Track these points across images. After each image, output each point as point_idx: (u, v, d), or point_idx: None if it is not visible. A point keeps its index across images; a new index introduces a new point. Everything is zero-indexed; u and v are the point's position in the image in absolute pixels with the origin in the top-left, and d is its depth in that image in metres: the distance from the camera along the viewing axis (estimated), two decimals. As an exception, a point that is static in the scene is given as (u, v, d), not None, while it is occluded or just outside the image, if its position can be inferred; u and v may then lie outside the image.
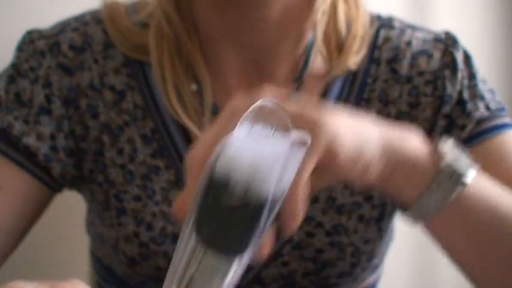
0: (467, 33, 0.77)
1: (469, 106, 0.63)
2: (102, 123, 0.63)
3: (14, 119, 0.61)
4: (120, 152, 0.63)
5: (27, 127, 0.61)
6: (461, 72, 0.65)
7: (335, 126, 0.44)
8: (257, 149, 0.34)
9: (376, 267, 0.69)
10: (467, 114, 0.63)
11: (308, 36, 0.63)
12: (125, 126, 0.63)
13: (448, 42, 0.66)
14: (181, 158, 0.62)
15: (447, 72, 0.64)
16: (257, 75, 0.63)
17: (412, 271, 1.22)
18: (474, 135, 0.63)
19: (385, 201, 0.65)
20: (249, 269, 0.62)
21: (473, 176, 0.50)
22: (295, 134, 0.38)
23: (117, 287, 0.68)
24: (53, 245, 0.94)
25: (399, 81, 0.65)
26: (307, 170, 0.42)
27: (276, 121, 0.36)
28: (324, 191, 0.63)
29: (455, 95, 0.64)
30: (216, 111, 0.61)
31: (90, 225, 0.71)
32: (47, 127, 0.62)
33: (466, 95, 0.64)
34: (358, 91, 0.65)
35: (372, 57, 0.65)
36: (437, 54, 0.65)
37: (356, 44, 0.63)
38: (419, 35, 0.67)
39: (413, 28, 0.68)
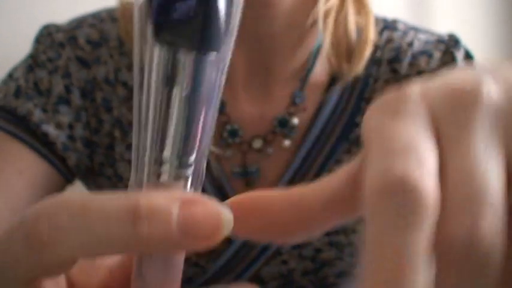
0: (467, 33, 0.77)
1: None
2: (115, 117, 0.64)
3: (33, 106, 0.61)
4: (129, 147, 0.64)
5: (46, 115, 0.62)
6: None
7: None
8: None
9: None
10: None
11: (315, 37, 0.64)
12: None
13: (450, 43, 0.67)
14: None
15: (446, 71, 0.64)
16: (263, 74, 0.63)
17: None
18: None
19: None
20: (248, 266, 0.64)
21: None
22: None
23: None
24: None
25: (399, 81, 0.65)
26: None
27: None
28: None
29: None
30: (222, 108, 0.62)
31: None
32: (66, 116, 0.62)
33: None
34: (360, 91, 0.65)
35: (374, 58, 0.65)
36: (437, 55, 0.66)
37: (367, 51, 0.64)
38: (422, 36, 0.67)
39: (417, 30, 0.69)
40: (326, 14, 0.62)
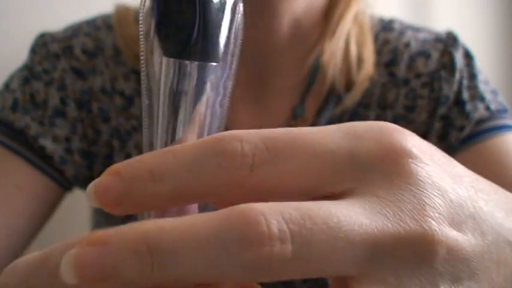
0: (467, 32, 0.77)
1: (468, 107, 0.62)
2: (113, 127, 0.64)
3: (30, 120, 0.61)
4: (128, 157, 0.64)
5: (42, 129, 0.61)
6: (460, 73, 0.63)
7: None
8: None
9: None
10: (466, 116, 0.62)
11: (316, 51, 0.63)
12: (133, 131, 0.64)
13: (448, 42, 0.65)
14: None
15: (444, 73, 0.63)
16: (261, 87, 0.63)
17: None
18: (471, 135, 0.61)
19: None
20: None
21: None
22: None
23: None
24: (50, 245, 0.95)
25: (397, 84, 0.64)
26: None
27: None
28: None
29: (452, 96, 0.63)
30: None
31: (96, 225, 0.72)
32: (62, 129, 0.62)
33: (465, 95, 0.63)
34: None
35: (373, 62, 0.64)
36: (435, 55, 0.64)
37: (366, 82, 0.63)
38: (419, 35, 0.66)
39: (415, 29, 0.67)
40: (329, 56, 0.62)
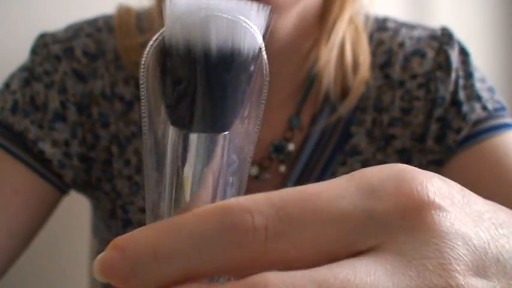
0: (467, 31, 0.76)
1: (465, 108, 0.61)
2: (112, 133, 0.63)
3: (30, 123, 0.61)
4: (127, 163, 0.63)
5: (42, 132, 0.61)
6: (456, 72, 0.62)
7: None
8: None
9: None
10: (463, 117, 0.61)
11: (312, 61, 0.62)
12: (132, 137, 0.63)
13: (443, 40, 0.64)
14: None
15: (439, 74, 0.62)
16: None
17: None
18: (469, 136, 0.61)
19: None
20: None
21: None
22: None
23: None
24: (55, 246, 0.95)
25: (392, 86, 0.63)
26: None
27: None
28: None
29: (448, 97, 0.62)
30: None
31: (96, 229, 0.72)
32: (61, 133, 0.62)
33: (461, 95, 0.62)
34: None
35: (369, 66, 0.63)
36: (430, 54, 0.63)
37: (362, 88, 0.62)
38: (414, 33, 0.65)
39: (409, 27, 0.66)
40: (325, 64, 0.61)
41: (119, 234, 0.67)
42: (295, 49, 0.61)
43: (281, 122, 0.63)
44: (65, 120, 0.62)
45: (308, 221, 0.21)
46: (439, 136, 0.62)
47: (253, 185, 0.63)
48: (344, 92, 0.62)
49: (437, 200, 0.23)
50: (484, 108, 0.62)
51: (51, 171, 0.61)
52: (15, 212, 0.60)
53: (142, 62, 0.27)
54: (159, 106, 0.27)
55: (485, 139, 0.60)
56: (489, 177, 0.59)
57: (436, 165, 0.62)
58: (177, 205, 0.26)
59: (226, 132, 0.27)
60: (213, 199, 0.27)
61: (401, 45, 0.64)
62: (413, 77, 0.63)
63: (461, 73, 0.63)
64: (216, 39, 0.25)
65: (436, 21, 1.14)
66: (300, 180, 0.63)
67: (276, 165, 0.63)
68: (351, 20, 0.62)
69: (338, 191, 0.23)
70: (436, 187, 0.24)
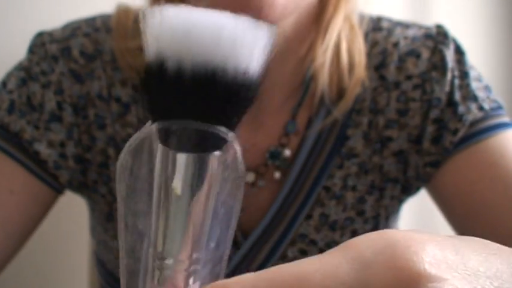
0: (465, 29, 0.75)
1: (461, 109, 0.61)
2: (108, 135, 0.63)
3: (26, 123, 0.61)
4: None
5: (38, 133, 0.61)
6: (451, 72, 0.62)
7: None
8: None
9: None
10: (459, 118, 0.60)
11: (307, 66, 0.62)
12: (129, 139, 0.63)
13: (438, 39, 0.63)
14: None
15: (435, 74, 0.62)
16: (253, 107, 0.62)
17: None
18: (466, 137, 0.60)
19: (378, 213, 0.65)
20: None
21: None
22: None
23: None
24: (55, 246, 0.95)
25: (387, 88, 0.63)
26: None
27: None
28: (317, 208, 0.63)
29: (444, 97, 0.61)
30: None
31: (93, 229, 0.71)
32: (57, 134, 0.62)
33: (457, 96, 0.61)
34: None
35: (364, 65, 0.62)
36: (425, 54, 0.63)
37: (357, 89, 0.62)
38: (409, 33, 0.64)
39: (404, 26, 0.65)
40: (320, 66, 0.61)
41: (116, 237, 0.66)
42: (291, 53, 0.61)
43: (277, 128, 0.63)
44: (61, 121, 0.62)
45: None
46: (435, 137, 0.61)
47: (249, 192, 0.63)
48: (340, 94, 0.62)
49: (433, 271, 0.23)
50: (481, 108, 0.61)
51: (47, 172, 0.61)
52: (10, 212, 0.60)
53: (119, 164, 0.28)
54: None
55: (482, 140, 0.60)
56: (486, 180, 0.58)
57: (433, 166, 0.61)
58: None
59: (217, 152, 0.26)
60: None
61: (396, 45, 0.64)
62: (409, 77, 0.62)
63: (456, 73, 0.62)
64: (206, 56, 0.24)
65: (434, 19, 1.14)
66: (295, 186, 0.63)
67: (272, 172, 0.63)
68: (346, 19, 0.62)
69: (331, 269, 0.23)
70: (431, 255, 0.24)
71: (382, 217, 0.65)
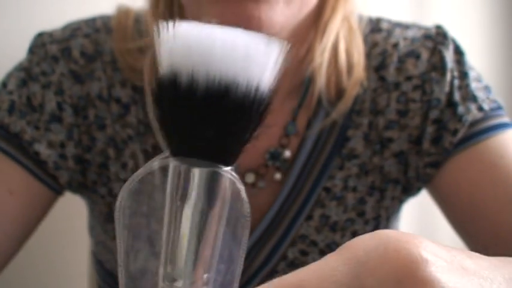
0: (466, 31, 0.75)
1: (461, 109, 0.61)
2: (109, 136, 0.63)
3: (26, 124, 0.61)
4: (124, 166, 0.63)
5: (38, 133, 0.61)
6: (451, 73, 0.62)
7: None
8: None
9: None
10: (459, 118, 0.60)
11: (307, 66, 0.62)
12: (129, 140, 0.63)
13: (437, 39, 0.63)
14: None
15: (434, 75, 0.62)
16: None
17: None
18: (465, 138, 0.60)
19: (379, 214, 0.65)
20: (243, 286, 0.64)
21: None
22: None
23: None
24: (55, 246, 0.95)
25: (387, 89, 0.63)
26: None
27: None
28: (317, 209, 0.63)
29: (443, 98, 0.61)
30: None
31: (92, 229, 0.71)
32: (57, 135, 0.62)
33: (457, 96, 0.61)
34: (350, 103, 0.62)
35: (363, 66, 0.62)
36: (425, 55, 0.63)
37: (356, 89, 0.61)
38: (408, 33, 0.64)
39: (403, 26, 0.65)
40: (318, 66, 0.61)
41: (115, 237, 0.66)
42: (291, 54, 0.61)
43: (277, 128, 0.63)
44: (61, 122, 0.62)
45: None
46: (435, 138, 0.61)
47: (250, 193, 0.62)
48: (339, 94, 0.62)
49: (429, 256, 0.24)
50: (480, 108, 0.61)
51: (47, 173, 0.61)
52: (9, 212, 0.60)
53: (118, 205, 0.28)
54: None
55: (482, 140, 0.60)
56: (486, 180, 0.58)
57: (433, 167, 0.61)
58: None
59: (228, 168, 0.26)
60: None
61: (396, 46, 0.64)
62: (409, 78, 0.62)
63: (456, 73, 0.62)
64: (220, 72, 0.25)
65: (433, 20, 1.14)
66: (295, 187, 0.63)
67: (272, 173, 0.63)
68: (345, 20, 0.62)
69: (327, 272, 0.24)
70: (425, 245, 0.25)
71: (383, 218, 0.65)
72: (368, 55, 0.64)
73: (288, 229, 0.63)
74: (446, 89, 0.61)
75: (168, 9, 0.60)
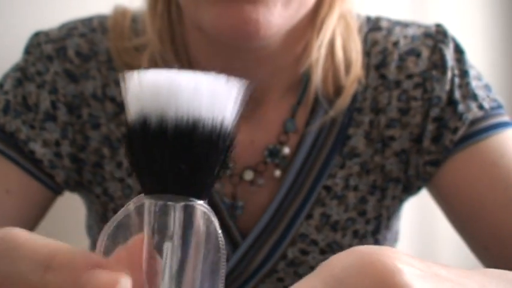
0: (466, 30, 0.75)
1: (461, 107, 0.61)
2: (103, 134, 0.63)
3: (21, 123, 0.61)
4: (119, 165, 0.63)
5: (33, 132, 0.61)
6: (451, 71, 0.62)
7: None
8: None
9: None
10: (459, 116, 0.60)
11: (305, 63, 0.61)
12: (124, 139, 0.63)
13: (437, 38, 0.63)
14: None
15: (435, 73, 0.62)
16: (254, 104, 0.62)
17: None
18: (466, 137, 0.60)
19: (380, 213, 0.65)
20: (243, 284, 0.63)
21: None
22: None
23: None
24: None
25: (388, 87, 0.62)
26: None
27: None
28: (317, 208, 0.63)
29: (444, 96, 0.61)
30: None
31: (90, 228, 0.71)
32: (52, 134, 0.62)
33: (457, 95, 0.61)
34: (350, 101, 0.62)
35: (361, 65, 0.62)
36: (425, 53, 0.62)
37: (354, 86, 0.61)
38: (408, 31, 0.64)
39: (403, 25, 0.65)
40: (315, 62, 0.61)
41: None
42: (288, 51, 0.61)
43: (276, 125, 0.63)
44: (55, 120, 0.62)
45: None
46: (435, 136, 0.61)
47: (249, 190, 0.62)
48: (337, 92, 0.62)
49: (404, 267, 0.26)
50: (480, 107, 0.61)
51: (43, 172, 0.61)
52: (7, 212, 0.60)
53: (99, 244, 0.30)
54: None
55: (482, 139, 0.60)
56: (486, 179, 0.58)
57: (433, 165, 0.61)
58: None
59: (201, 202, 0.28)
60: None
61: (396, 44, 0.63)
62: (409, 76, 0.62)
63: (456, 72, 0.62)
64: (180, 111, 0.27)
65: (434, 20, 1.14)
66: (295, 185, 0.62)
67: (271, 170, 0.62)
68: (341, 18, 0.62)
69: None
70: (399, 255, 0.27)
71: (384, 217, 0.65)
72: (368, 53, 0.63)
73: (287, 228, 0.62)
74: (447, 87, 0.61)
75: (166, 9, 0.60)
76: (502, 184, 0.58)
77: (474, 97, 0.61)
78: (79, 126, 0.63)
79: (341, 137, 0.63)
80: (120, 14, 0.65)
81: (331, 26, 0.60)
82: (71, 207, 0.80)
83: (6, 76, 0.64)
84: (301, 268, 0.63)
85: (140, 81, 0.28)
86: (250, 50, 0.58)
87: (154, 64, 0.60)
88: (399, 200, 0.66)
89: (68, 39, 0.64)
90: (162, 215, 0.28)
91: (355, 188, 0.63)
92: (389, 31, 0.64)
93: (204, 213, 0.28)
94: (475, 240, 0.61)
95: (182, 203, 0.27)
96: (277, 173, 0.62)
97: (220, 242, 0.28)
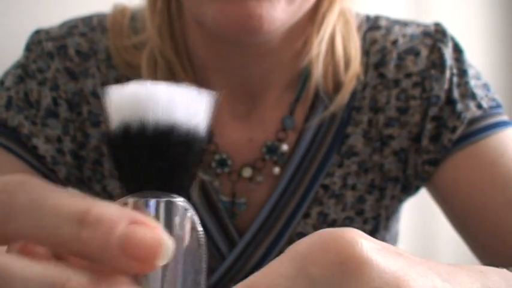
0: (465, 29, 0.75)
1: (459, 106, 0.61)
2: (103, 132, 0.63)
3: (24, 118, 0.61)
4: None
5: (35, 128, 0.61)
6: (450, 70, 0.62)
7: None
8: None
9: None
10: (458, 116, 0.60)
11: (303, 61, 0.62)
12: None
13: (436, 37, 0.63)
14: None
15: (434, 72, 0.62)
16: (252, 100, 0.62)
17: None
18: (464, 136, 0.60)
19: (379, 213, 0.65)
20: (240, 282, 0.63)
21: None
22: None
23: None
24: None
25: (387, 86, 0.63)
26: None
27: None
28: (315, 206, 0.63)
29: (443, 95, 0.61)
30: (210, 137, 0.61)
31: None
32: (54, 130, 0.62)
33: (456, 94, 0.61)
34: (349, 100, 0.62)
35: (360, 63, 0.62)
36: (424, 52, 0.62)
37: (353, 83, 0.61)
38: (407, 30, 0.64)
39: (402, 24, 0.65)
40: (315, 57, 0.61)
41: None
42: (287, 47, 0.61)
43: (274, 122, 0.63)
44: (57, 117, 0.63)
45: None
46: (434, 135, 0.61)
47: (247, 187, 0.62)
48: (336, 88, 0.62)
49: (361, 239, 0.28)
50: (479, 106, 0.61)
51: (46, 167, 0.62)
52: None
53: None
54: None
55: (481, 139, 0.60)
56: (485, 179, 0.58)
57: (432, 165, 0.61)
58: None
59: (182, 199, 0.29)
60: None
61: (395, 43, 0.63)
62: (408, 75, 0.62)
63: (455, 71, 0.62)
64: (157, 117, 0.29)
65: (432, 18, 1.14)
66: (292, 182, 0.62)
67: (270, 167, 0.62)
68: (341, 14, 0.62)
69: (275, 270, 0.27)
70: (360, 233, 0.29)
71: (382, 217, 0.65)
72: (367, 52, 0.63)
73: (285, 226, 0.62)
74: (446, 86, 0.61)
75: (166, 6, 0.60)
76: (501, 183, 0.58)
77: (473, 96, 0.61)
78: (79, 123, 0.63)
79: (339, 136, 0.63)
80: (119, 12, 0.65)
81: (331, 22, 0.60)
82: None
83: (8, 73, 0.64)
84: None
85: (121, 93, 0.31)
86: (251, 46, 0.58)
87: (153, 61, 0.60)
88: (398, 200, 0.66)
89: (69, 38, 0.64)
90: (145, 211, 0.29)
91: (353, 187, 0.63)
92: (388, 30, 0.64)
93: (185, 209, 0.29)
94: (474, 239, 0.61)
95: (163, 199, 0.29)
96: (276, 170, 0.62)
97: (200, 239, 0.29)
